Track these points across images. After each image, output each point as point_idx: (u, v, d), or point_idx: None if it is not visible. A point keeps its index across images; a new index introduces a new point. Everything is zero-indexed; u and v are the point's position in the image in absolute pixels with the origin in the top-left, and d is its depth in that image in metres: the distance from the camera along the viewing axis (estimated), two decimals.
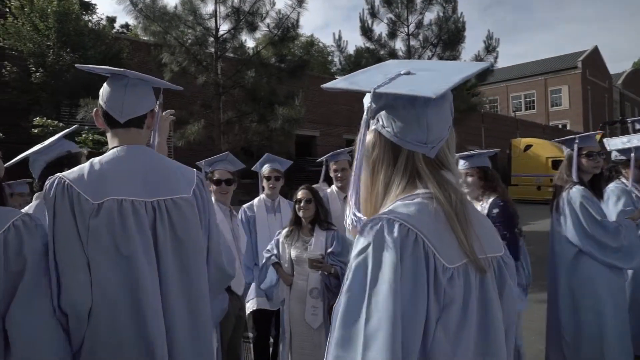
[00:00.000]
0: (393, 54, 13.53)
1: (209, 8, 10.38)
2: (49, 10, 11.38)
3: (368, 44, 13.75)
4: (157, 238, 1.59)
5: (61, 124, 9.35)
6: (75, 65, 1.91)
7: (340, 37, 12.66)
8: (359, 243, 0.97)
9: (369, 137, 1.07)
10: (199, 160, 3.61)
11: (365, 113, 1.04)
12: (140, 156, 1.67)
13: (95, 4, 15.81)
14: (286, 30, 10.06)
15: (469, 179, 3.17)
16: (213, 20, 10.30)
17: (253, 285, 3.74)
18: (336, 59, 12.98)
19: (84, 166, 1.60)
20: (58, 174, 1.56)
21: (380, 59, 13.89)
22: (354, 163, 1.07)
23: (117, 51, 12.55)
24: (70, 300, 1.47)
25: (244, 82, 9.92)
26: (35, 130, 8.83)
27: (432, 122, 1.02)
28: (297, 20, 10.04)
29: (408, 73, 1.04)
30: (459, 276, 0.97)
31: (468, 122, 14.09)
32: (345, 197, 2.34)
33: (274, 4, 10.23)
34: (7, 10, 12.40)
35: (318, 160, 4.69)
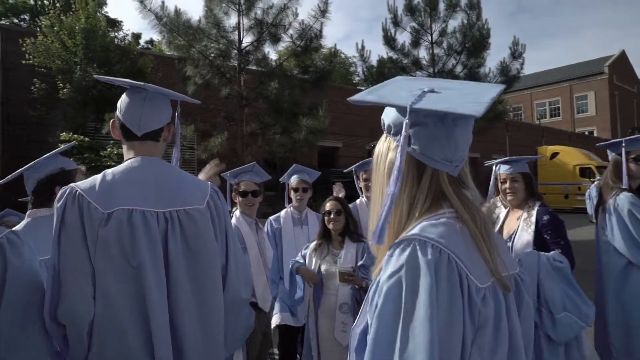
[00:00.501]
0: (417, 63, 13.37)
1: (232, 21, 10.45)
2: (76, 27, 11.63)
3: (391, 54, 13.65)
4: (168, 249, 1.57)
5: (87, 139, 9.47)
6: (95, 76, 1.95)
7: (363, 47, 12.57)
8: (390, 265, 0.94)
9: (392, 154, 1.04)
10: (223, 173, 3.53)
11: (389, 131, 1.04)
12: (154, 167, 1.67)
13: (122, 21, 16.13)
14: (309, 40, 10.01)
15: (515, 185, 2.99)
16: (236, 32, 10.34)
17: (278, 300, 3.61)
18: (359, 69, 12.83)
19: (97, 176, 1.60)
20: (71, 184, 1.56)
21: (403, 69, 13.75)
22: (376, 178, 1.07)
23: (142, 66, 12.72)
24: (71, 309, 1.45)
25: (267, 94, 9.89)
26: (62, 145, 8.94)
27: (459, 140, 1.01)
28: (321, 31, 10.01)
29: (432, 91, 1.02)
30: (490, 296, 0.97)
31: (493, 131, 13.75)
32: None
33: (296, 15, 10.22)
34: (39, 29, 12.74)
35: (346, 170, 4.57)
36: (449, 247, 0.94)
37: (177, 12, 9.34)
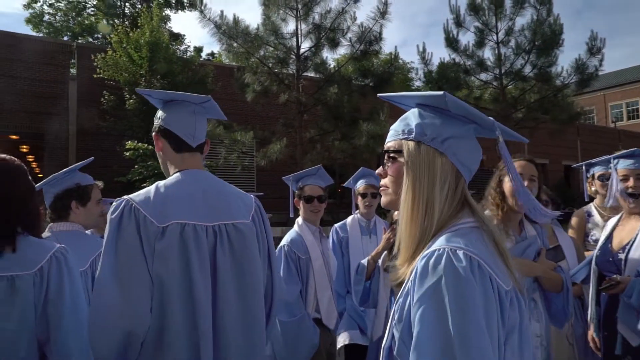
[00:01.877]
0: (481, 64, 12.70)
1: (289, 27, 10.37)
2: (142, 41, 12.09)
3: (454, 55, 13.07)
4: (216, 262, 1.60)
5: (150, 147, 9.68)
6: (137, 90, 1.94)
7: (424, 49, 12.10)
8: (428, 278, 0.94)
9: (437, 162, 1.07)
10: (281, 179, 3.27)
11: (431, 139, 1.07)
12: (203, 180, 1.70)
13: (184, 35, 16.67)
14: (368, 44, 9.71)
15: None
16: (294, 39, 10.24)
17: (345, 316, 3.28)
18: (420, 72, 12.34)
19: (150, 189, 1.62)
20: (125, 197, 1.58)
21: (467, 71, 13.13)
22: (416, 188, 1.08)
23: (203, 76, 12.98)
24: (133, 318, 1.47)
25: (325, 100, 9.67)
26: (127, 154, 9.19)
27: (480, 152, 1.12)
28: (380, 33, 9.68)
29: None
30: (514, 297, 1.01)
31: (562, 135, 12.73)
32: None
33: (355, 18, 9.97)
34: (109, 44, 13.38)
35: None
36: (477, 253, 0.96)
37: (236, 20, 9.38)
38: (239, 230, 1.66)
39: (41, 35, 20.94)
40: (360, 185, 3.51)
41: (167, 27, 12.85)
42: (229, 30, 9.22)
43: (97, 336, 1.47)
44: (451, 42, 13.03)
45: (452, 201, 1.07)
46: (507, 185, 2.43)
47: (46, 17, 24.59)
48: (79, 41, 18.19)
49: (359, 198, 3.50)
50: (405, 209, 1.08)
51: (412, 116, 1.12)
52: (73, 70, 14.01)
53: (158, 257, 1.50)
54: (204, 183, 1.69)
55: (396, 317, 1.01)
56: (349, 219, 3.53)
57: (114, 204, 1.58)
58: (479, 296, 0.91)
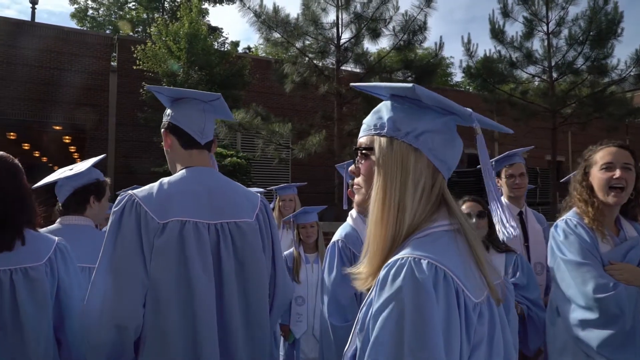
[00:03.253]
0: (529, 56, 12.02)
1: (330, 17, 10.07)
2: (181, 32, 12.06)
3: (499, 47, 12.43)
4: (220, 261, 1.59)
5: None
6: (147, 86, 1.93)
7: (469, 41, 11.54)
8: (386, 289, 0.89)
9: (411, 157, 0.99)
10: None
11: (405, 134, 1.01)
12: (208, 178, 1.70)
13: (222, 28, 16.70)
14: (412, 33, 9.30)
15: None
16: (334, 29, 9.94)
17: None
18: (464, 65, 11.76)
19: (154, 185, 1.62)
20: (129, 191, 1.58)
21: (513, 63, 12.48)
22: (383, 183, 1.01)
23: (240, 68, 12.88)
24: (123, 312, 1.45)
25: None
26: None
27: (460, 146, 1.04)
28: (425, 22, 9.25)
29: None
30: (485, 310, 0.94)
31: (616, 134, 11.93)
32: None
33: (397, 7, 9.56)
34: (148, 36, 13.48)
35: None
36: (443, 263, 0.90)
37: (275, 9, 9.16)
38: (242, 228, 1.66)
39: (85, 29, 21.47)
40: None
41: (205, 20, 12.79)
42: (269, 20, 9.00)
43: (89, 327, 1.46)
44: (497, 34, 12.38)
45: (427, 202, 1.00)
46: (595, 176, 2.07)
47: (90, 12, 25.32)
48: (120, 34, 18.47)
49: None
50: (375, 211, 1.00)
51: (384, 109, 1.05)
52: (114, 64, 14.17)
53: (157, 253, 1.50)
54: (209, 181, 1.69)
55: (358, 326, 0.98)
56: None
57: (119, 197, 1.58)
58: (441, 312, 0.86)
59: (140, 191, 1.59)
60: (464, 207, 2.59)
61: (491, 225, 2.52)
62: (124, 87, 13.45)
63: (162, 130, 1.76)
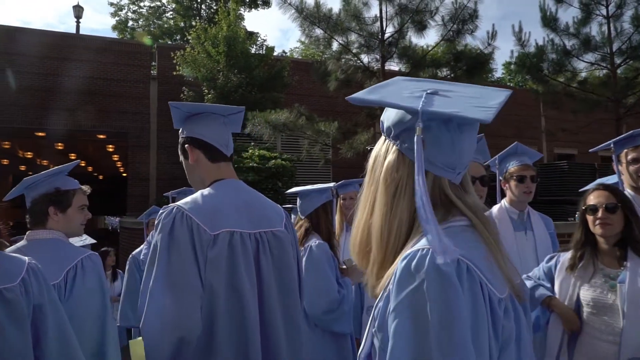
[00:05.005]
0: (587, 43, 11.16)
1: (372, 12, 9.65)
2: (219, 36, 11.95)
3: (552, 36, 11.62)
4: (260, 270, 1.65)
5: None
6: (169, 103, 1.83)
7: (520, 29, 10.82)
8: (407, 282, 0.83)
9: (390, 158, 0.98)
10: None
11: (388, 133, 1.00)
12: (242, 190, 1.77)
13: (258, 32, 16.64)
14: (462, 22, 8.73)
15: None
16: (376, 24, 9.50)
17: None
18: (515, 55, 11.02)
19: (197, 197, 1.65)
20: (174, 204, 1.60)
21: (568, 52, 11.65)
22: (369, 183, 1.03)
23: (279, 70, 12.65)
24: (185, 323, 1.47)
25: None
26: None
27: (464, 147, 0.96)
28: (475, 10, 8.66)
29: (436, 92, 0.96)
30: (509, 306, 0.90)
31: None
32: None
33: None
34: (188, 41, 13.51)
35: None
36: (466, 256, 0.86)
37: (317, 4, 8.81)
38: (278, 237, 1.72)
39: (125, 38, 21.94)
40: (513, 166, 2.70)
41: (242, 25, 12.72)
42: (310, 15, 8.66)
43: (151, 345, 1.47)
44: (549, 21, 11.58)
45: (412, 205, 0.93)
46: None
47: (130, 24, 25.95)
48: (159, 42, 18.71)
49: (513, 182, 2.68)
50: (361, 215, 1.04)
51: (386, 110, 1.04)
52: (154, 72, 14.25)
53: (210, 264, 1.53)
54: (243, 192, 1.75)
55: (376, 323, 0.91)
56: (495, 209, 2.74)
57: (164, 211, 1.59)
58: (467, 305, 0.81)
59: (186, 203, 1.60)
60: (591, 197, 2.10)
61: (627, 221, 2.01)
62: (164, 94, 13.49)
63: (186, 145, 1.77)
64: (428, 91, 0.96)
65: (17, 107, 11.95)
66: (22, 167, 17.95)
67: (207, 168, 1.76)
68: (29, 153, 16.29)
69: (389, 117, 1.00)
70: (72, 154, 15.98)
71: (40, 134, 13.17)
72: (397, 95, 0.97)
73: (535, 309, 2.15)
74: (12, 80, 11.91)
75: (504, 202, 2.74)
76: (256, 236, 1.66)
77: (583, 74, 12.03)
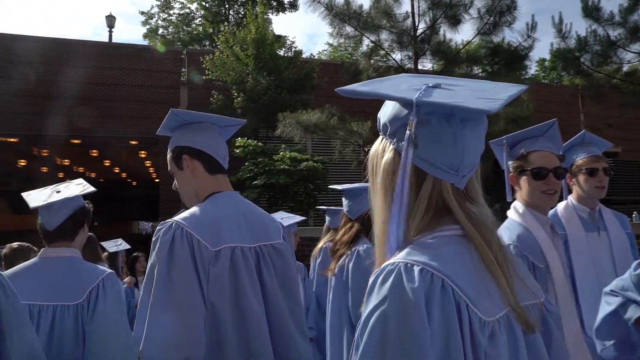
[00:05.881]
0: (635, 32, 10.52)
1: (403, 8, 9.35)
2: (248, 39, 11.90)
3: (595, 26, 11.03)
4: (264, 283, 1.61)
5: (260, 144, 9.31)
6: (172, 110, 1.74)
7: (561, 20, 10.29)
8: (372, 298, 0.80)
9: (386, 158, 0.91)
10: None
11: (384, 131, 0.92)
12: (240, 203, 1.73)
13: (287, 36, 16.60)
14: (499, 14, 8.34)
15: None
16: (408, 20, 9.20)
17: None
18: (555, 46, 10.49)
19: (195, 212, 1.59)
20: (172, 219, 1.55)
21: (613, 43, 11.03)
22: (372, 189, 0.95)
23: (308, 71, 12.50)
24: (187, 344, 1.43)
25: None
26: (237, 151, 8.87)
27: (468, 145, 0.86)
28: (513, 1, 8.25)
29: (438, 86, 0.88)
30: (501, 332, 0.80)
31: None
32: None
33: None
34: (216, 45, 13.56)
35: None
36: (442, 271, 0.78)
37: (347, 1, 8.60)
38: (278, 250, 1.68)
39: (155, 45, 22.33)
40: (581, 158, 2.39)
41: (269, 28, 12.70)
42: (341, 13, 8.46)
43: None
44: (591, 11, 10.98)
45: (417, 205, 0.87)
46: None
47: (160, 31, 26.46)
48: (189, 48, 18.94)
49: (582, 176, 2.37)
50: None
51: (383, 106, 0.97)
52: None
53: (213, 281, 1.49)
54: (241, 205, 1.71)
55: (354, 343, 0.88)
56: (560, 207, 2.43)
57: (162, 227, 1.54)
58: (436, 328, 0.74)
59: (185, 219, 1.54)
60: None
61: None
62: (194, 99, 13.55)
63: (184, 156, 1.69)
64: (429, 84, 0.87)
65: (54, 115, 12.21)
66: (60, 174, 18.44)
67: (205, 180, 1.70)
68: (66, 160, 16.67)
69: (385, 112, 0.92)
70: (107, 161, 16.26)
71: (75, 141, 13.42)
72: (394, 88, 0.89)
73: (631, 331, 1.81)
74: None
75: (571, 200, 2.42)
76: (256, 250, 1.64)
77: (632, 65, 11.36)
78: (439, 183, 0.87)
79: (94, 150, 14.86)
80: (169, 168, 1.78)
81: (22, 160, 15.52)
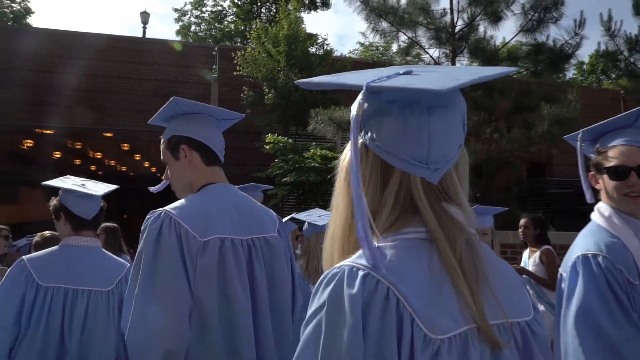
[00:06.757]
0: None
1: (440, 5, 9.04)
2: (280, 35, 11.82)
3: None
4: (254, 276, 1.60)
5: (290, 140, 9.18)
6: (173, 98, 1.71)
7: (610, 18, 9.76)
8: (314, 302, 0.76)
9: (350, 152, 0.81)
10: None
11: (352, 121, 0.82)
12: (234, 195, 1.72)
13: (319, 33, 16.50)
14: (544, 10, 7.94)
15: None
16: (446, 17, 8.89)
17: None
18: (602, 46, 9.98)
19: (186, 202, 1.60)
20: (162, 208, 1.54)
21: None
22: (336, 187, 0.88)
23: (340, 69, 12.33)
24: (174, 333, 1.42)
25: (488, 83, 8.10)
26: (267, 147, 8.75)
27: (435, 134, 0.78)
28: None
29: (409, 73, 0.81)
30: (450, 352, 0.71)
31: None
32: None
33: None
34: (249, 41, 13.57)
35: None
36: (389, 279, 0.72)
37: None
38: (270, 243, 1.67)
39: (188, 42, 22.59)
40: None
41: (301, 26, 12.65)
42: (377, 7, 8.22)
43: (135, 353, 1.42)
44: None
45: (383, 202, 0.81)
46: None
47: (192, 28, 26.90)
48: (220, 45, 19.08)
49: None
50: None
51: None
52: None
53: (200, 273, 1.48)
54: (234, 197, 1.69)
55: None
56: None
57: (151, 216, 1.53)
58: (371, 339, 0.68)
59: (174, 208, 1.54)
60: None
61: None
62: (225, 94, 13.57)
63: (182, 145, 1.67)
64: (401, 72, 0.81)
65: (87, 108, 12.39)
66: (93, 167, 18.79)
67: (201, 170, 1.69)
68: (98, 153, 16.95)
69: (353, 106, 0.85)
70: (137, 155, 16.45)
71: (107, 134, 13.61)
72: (356, 77, 0.83)
73: None
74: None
75: None
76: (248, 242, 1.61)
77: None
78: (408, 178, 0.80)
79: (125, 144, 15.05)
80: (162, 157, 1.75)
81: (57, 153, 15.87)
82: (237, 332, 1.49)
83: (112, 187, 2.26)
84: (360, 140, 0.84)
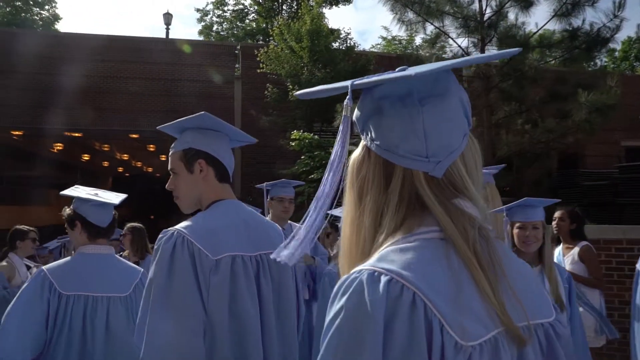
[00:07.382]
0: None
1: None
2: (303, 30, 11.69)
3: None
4: (261, 292, 1.63)
5: (315, 137, 9.05)
6: (204, 113, 1.71)
7: None
8: (332, 308, 0.72)
9: (355, 154, 0.86)
10: None
11: (358, 127, 0.85)
12: (242, 211, 1.75)
13: (342, 28, 16.38)
14: None
15: None
16: (475, 4, 8.59)
17: None
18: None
19: (197, 221, 1.62)
20: (173, 228, 1.57)
21: None
22: (346, 192, 0.87)
23: (365, 63, 12.17)
24: (186, 352, 1.44)
25: (523, 69, 7.77)
26: (293, 144, 8.65)
27: (431, 125, 0.77)
28: None
29: (404, 69, 0.81)
30: (482, 356, 0.67)
31: None
32: None
33: None
34: (271, 38, 13.50)
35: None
36: (413, 282, 0.68)
37: None
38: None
39: (210, 41, 22.74)
40: None
41: (324, 21, 12.52)
42: None
43: None
44: None
45: (387, 201, 0.79)
46: None
47: (214, 27, 27.09)
48: (242, 43, 19.13)
49: None
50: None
51: None
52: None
53: (213, 290, 1.51)
54: (242, 214, 1.73)
55: None
56: None
57: (164, 235, 1.55)
58: (397, 348, 0.65)
59: (186, 227, 1.57)
60: None
61: None
62: (248, 93, 13.55)
63: (200, 160, 1.69)
64: (395, 72, 0.81)
65: (114, 111, 12.54)
66: (120, 169, 19.09)
67: (213, 187, 1.72)
68: (125, 155, 17.21)
69: (355, 109, 0.86)
70: (163, 156, 16.62)
71: (134, 135, 13.75)
72: (346, 81, 0.84)
73: None
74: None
75: None
76: (257, 258, 1.65)
77: None
78: (410, 175, 0.78)
79: (151, 145, 15.19)
80: (170, 166, 1.74)
81: (86, 155, 16.16)
82: (247, 347, 1.53)
83: (123, 196, 2.36)
84: (363, 143, 0.85)
